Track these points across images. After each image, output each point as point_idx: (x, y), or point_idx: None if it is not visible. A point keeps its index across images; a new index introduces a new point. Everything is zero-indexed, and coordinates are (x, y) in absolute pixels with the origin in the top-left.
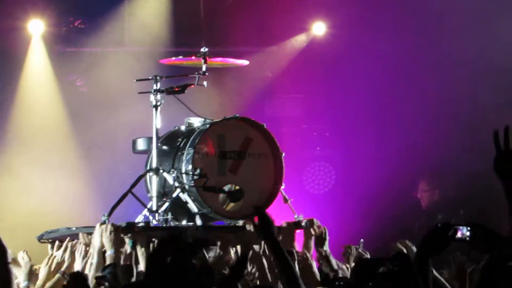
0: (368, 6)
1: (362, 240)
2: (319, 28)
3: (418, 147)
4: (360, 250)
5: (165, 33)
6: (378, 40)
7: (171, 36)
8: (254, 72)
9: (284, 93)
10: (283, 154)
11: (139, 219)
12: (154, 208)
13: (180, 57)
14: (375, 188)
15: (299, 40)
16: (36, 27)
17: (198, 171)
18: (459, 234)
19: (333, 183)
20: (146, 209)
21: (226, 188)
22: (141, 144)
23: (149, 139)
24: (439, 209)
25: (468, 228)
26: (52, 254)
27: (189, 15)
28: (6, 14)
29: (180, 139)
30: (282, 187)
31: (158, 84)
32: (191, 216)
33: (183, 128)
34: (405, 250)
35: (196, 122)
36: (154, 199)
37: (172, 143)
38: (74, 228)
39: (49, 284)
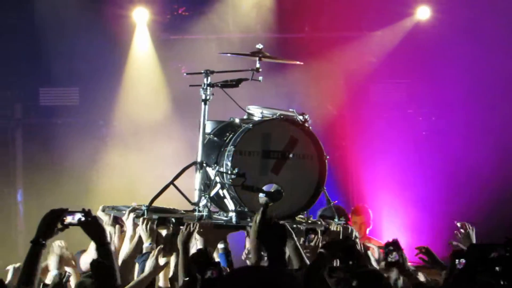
0: None
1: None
2: (423, 13)
3: None
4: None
5: (268, 19)
6: (486, 24)
7: (274, 22)
8: (358, 57)
9: (388, 78)
10: (327, 157)
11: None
12: (195, 201)
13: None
14: (478, 175)
15: (404, 24)
16: (140, 15)
17: (236, 170)
18: None
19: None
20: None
21: (269, 188)
22: (208, 127)
23: (216, 122)
24: None
25: None
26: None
27: (292, 1)
28: (112, 3)
29: (228, 134)
30: (323, 190)
31: (209, 79)
32: (224, 212)
33: (237, 120)
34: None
35: (257, 112)
36: (196, 192)
37: (222, 136)
38: (124, 211)
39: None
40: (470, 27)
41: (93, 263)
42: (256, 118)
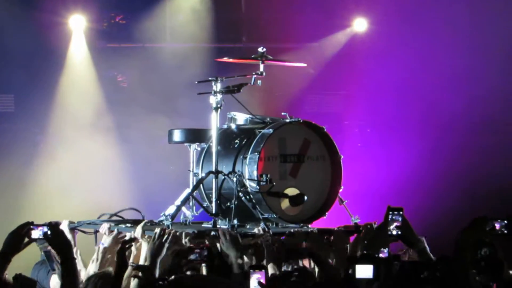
0: (410, 1)
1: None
2: (360, 25)
3: (461, 143)
4: None
5: (206, 29)
6: (420, 35)
7: (212, 32)
8: (296, 69)
9: (325, 90)
10: (342, 157)
11: (169, 212)
12: (214, 211)
13: (226, 58)
14: (418, 184)
15: (341, 36)
16: (77, 23)
17: (265, 177)
18: (496, 227)
19: (375, 180)
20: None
21: (289, 192)
22: (177, 136)
23: (186, 131)
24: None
25: (505, 222)
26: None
27: (230, 11)
28: (48, 10)
29: (237, 141)
30: (341, 189)
31: (218, 86)
32: (249, 220)
33: (233, 126)
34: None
35: (240, 117)
36: (214, 203)
37: (228, 144)
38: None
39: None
40: (406, 39)
41: (16, 277)
42: (241, 123)
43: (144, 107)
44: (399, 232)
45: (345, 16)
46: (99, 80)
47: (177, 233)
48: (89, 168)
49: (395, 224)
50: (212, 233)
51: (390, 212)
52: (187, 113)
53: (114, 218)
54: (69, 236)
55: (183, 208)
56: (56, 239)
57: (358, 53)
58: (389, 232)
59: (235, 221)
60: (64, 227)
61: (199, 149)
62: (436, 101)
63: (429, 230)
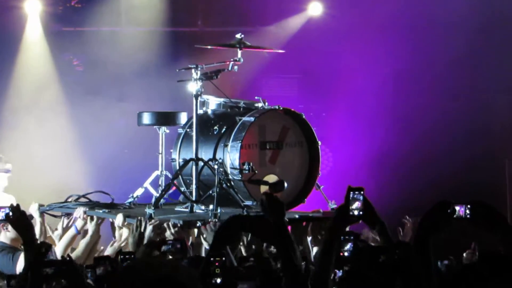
0: None
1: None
2: (315, 9)
3: (416, 127)
4: None
5: (161, 13)
6: (374, 18)
7: (168, 16)
8: (251, 52)
9: (280, 73)
10: (319, 143)
11: (137, 194)
12: (194, 198)
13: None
14: (372, 169)
15: (296, 20)
16: (32, 6)
17: (247, 165)
18: (459, 212)
19: (330, 165)
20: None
21: (269, 179)
22: (146, 118)
23: (156, 114)
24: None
25: (469, 206)
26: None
27: None
28: None
29: (216, 127)
30: (319, 175)
31: (198, 73)
32: (227, 206)
33: (209, 112)
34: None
35: (213, 101)
36: (194, 189)
37: (206, 130)
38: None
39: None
40: (360, 23)
41: None
42: (213, 108)
43: (99, 90)
44: (361, 213)
45: (300, 0)
46: (55, 63)
47: (164, 225)
48: (47, 152)
49: (356, 204)
50: (198, 224)
51: (351, 192)
52: (144, 97)
53: (91, 204)
54: (38, 219)
55: (152, 190)
56: (18, 221)
57: (313, 37)
58: (351, 212)
59: (219, 209)
60: (34, 210)
61: (168, 131)
62: (391, 84)
63: (394, 214)
